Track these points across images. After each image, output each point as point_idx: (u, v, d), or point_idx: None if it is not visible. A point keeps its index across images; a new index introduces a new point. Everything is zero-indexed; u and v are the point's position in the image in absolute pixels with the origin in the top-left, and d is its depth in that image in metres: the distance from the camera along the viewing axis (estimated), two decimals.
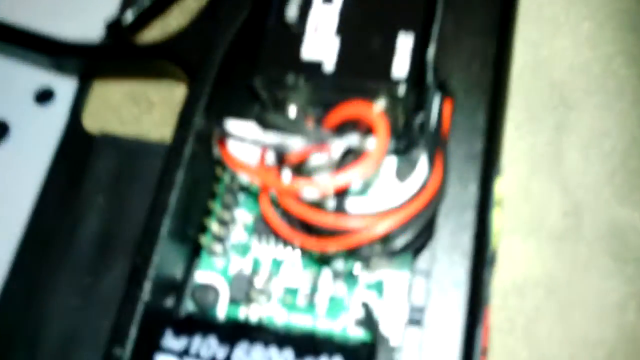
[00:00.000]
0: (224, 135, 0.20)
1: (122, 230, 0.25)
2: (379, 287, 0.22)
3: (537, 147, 0.29)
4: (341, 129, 0.19)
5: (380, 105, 0.20)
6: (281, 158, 0.20)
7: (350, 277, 0.22)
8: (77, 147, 0.27)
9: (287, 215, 0.20)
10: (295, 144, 0.18)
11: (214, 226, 0.22)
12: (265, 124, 0.20)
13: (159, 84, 0.29)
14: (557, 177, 0.28)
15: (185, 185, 0.21)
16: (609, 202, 0.28)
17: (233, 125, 0.20)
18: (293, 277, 0.22)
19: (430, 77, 0.21)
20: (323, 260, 0.22)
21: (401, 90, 0.20)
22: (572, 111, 0.29)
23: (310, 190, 0.19)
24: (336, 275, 0.22)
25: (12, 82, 0.29)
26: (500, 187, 0.22)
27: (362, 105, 0.20)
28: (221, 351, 0.19)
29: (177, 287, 0.22)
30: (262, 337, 0.20)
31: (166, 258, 0.21)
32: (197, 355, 0.19)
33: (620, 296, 0.27)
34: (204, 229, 0.23)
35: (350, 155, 0.20)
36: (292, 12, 0.21)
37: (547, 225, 0.27)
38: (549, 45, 0.30)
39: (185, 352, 0.19)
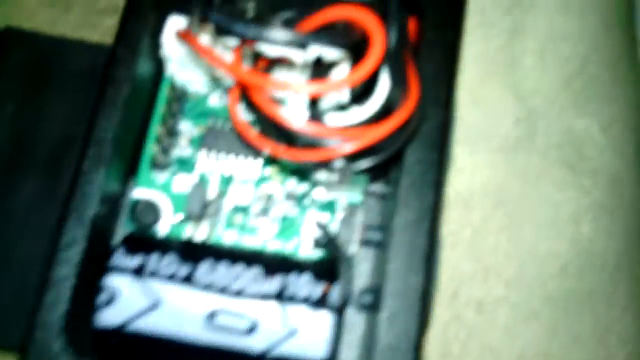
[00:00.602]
0: (203, 23, 0.17)
1: (37, 142, 0.22)
2: (331, 207, 0.21)
3: (490, 52, 0.28)
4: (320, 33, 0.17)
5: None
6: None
7: (303, 197, 0.21)
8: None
9: (260, 121, 0.18)
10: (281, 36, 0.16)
11: (160, 133, 0.20)
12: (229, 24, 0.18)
13: None
14: (510, 83, 0.27)
15: (125, 85, 0.19)
16: (565, 110, 0.27)
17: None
18: (243, 196, 0.21)
19: None
20: (277, 175, 0.21)
21: None
22: (529, 13, 0.28)
23: (300, 90, 0.17)
24: (289, 194, 0.21)
25: None
26: None
27: (356, 9, 0.18)
28: (183, 269, 0.18)
29: (115, 203, 0.20)
30: (228, 255, 0.18)
31: (108, 170, 0.18)
32: (155, 273, 0.17)
33: (575, 208, 0.27)
34: (144, 139, 0.20)
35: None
36: None
37: (498, 134, 0.27)
38: None
39: (140, 269, 0.17)
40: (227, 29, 0.17)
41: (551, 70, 0.28)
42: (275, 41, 0.16)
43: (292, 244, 0.20)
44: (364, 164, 0.18)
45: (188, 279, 0.17)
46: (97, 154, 0.18)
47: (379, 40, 0.17)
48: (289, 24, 0.18)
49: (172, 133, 0.21)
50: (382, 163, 0.18)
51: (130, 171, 0.20)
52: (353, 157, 0.18)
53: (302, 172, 0.21)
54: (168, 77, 0.21)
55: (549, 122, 0.27)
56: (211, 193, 0.20)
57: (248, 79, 0.17)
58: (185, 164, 0.21)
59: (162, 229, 0.20)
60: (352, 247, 0.20)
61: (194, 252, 0.18)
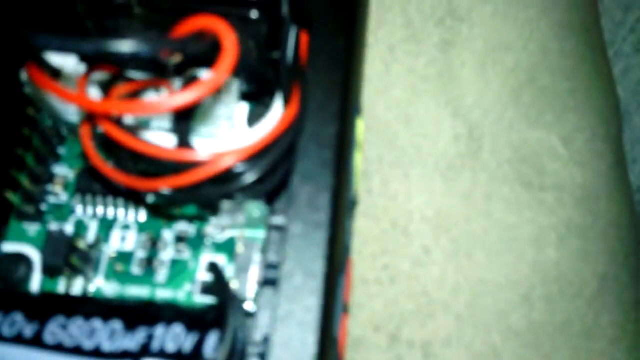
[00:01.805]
0: (37, 52, 0.16)
1: None
2: (229, 246, 0.19)
3: (420, 67, 0.25)
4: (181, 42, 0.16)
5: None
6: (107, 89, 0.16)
7: (196, 238, 0.19)
8: None
9: (117, 154, 0.16)
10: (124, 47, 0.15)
11: (26, 183, 0.18)
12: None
13: None
14: (447, 98, 0.25)
15: None
16: (515, 124, 0.25)
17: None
18: (126, 241, 0.19)
19: (286, 4, 0.18)
20: (163, 216, 0.19)
21: (254, 14, 0.17)
22: (463, 23, 0.26)
23: (138, 109, 0.15)
24: (179, 237, 0.19)
25: None
26: (361, 128, 0.20)
27: (211, 19, 0.16)
28: (29, 328, 0.15)
29: None
30: (83, 309, 0.16)
31: None
32: None
33: (536, 230, 0.24)
34: (14, 187, 0.18)
35: None
36: None
37: (435, 153, 0.24)
38: None
39: None
40: (63, 49, 0.15)
41: (494, 82, 0.26)
42: (122, 52, 0.14)
43: (183, 292, 0.18)
44: (245, 179, 0.16)
45: (35, 340, 0.15)
46: None
47: (229, 50, 0.15)
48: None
49: (42, 180, 0.19)
50: (257, 183, 0.16)
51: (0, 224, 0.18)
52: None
53: (192, 214, 0.19)
54: (37, 118, 0.19)
55: (496, 137, 0.25)
56: (87, 239, 0.18)
57: (94, 107, 0.15)
58: (62, 211, 0.19)
59: (34, 285, 0.18)
60: (250, 290, 0.18)
61: (45, 308, 0.16)
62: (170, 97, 0.15)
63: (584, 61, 0.28)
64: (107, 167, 0.16)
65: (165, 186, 0.16)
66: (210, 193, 0.17)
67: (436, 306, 0.22)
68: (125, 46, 0.15)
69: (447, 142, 0.24)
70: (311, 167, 0.17)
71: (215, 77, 0.15)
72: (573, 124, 0.27)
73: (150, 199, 0.18)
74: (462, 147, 0.25)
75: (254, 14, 0.17)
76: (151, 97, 0.17)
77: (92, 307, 0.16)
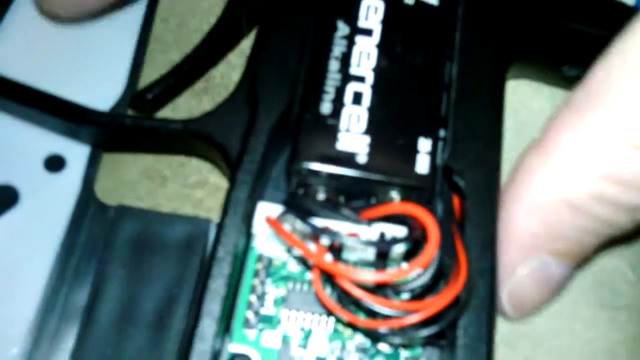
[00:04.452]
0: (283, 219, 0.22)
1: (143, 302, 0.26)
2: (396, 357, 0.24)
3: None
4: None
5: (396, 196, 0.23)
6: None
7: (371, 348, 0.24)
8: (92, 217, 0.28)
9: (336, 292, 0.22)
10: (345, 230, 0.21)
11: (252, 299, 0.24)
12: (301, 209, 0.23)
13: (171, 159, 0.30)
14: None
15: (226, 260, 0.23)
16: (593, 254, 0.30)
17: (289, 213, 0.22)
18: (320, 348, 0.24)
19: (439, 174, 0.24)
20: (347, 331, 0.24)
21: (422, 185, 0.23)
22: None
23: (360, 277, 0.21)
24: (358, 347, 0.24)
25: (21, 148, 0.29)
26: None
27: (415, 207, 0.22)
28: None
29: (217, 357, 0.23)
30: None
31: (215, 334, 0.22)
32: None
33: (609, 344, 0.29)
34: (236, 302, 0.24)
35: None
36: (326, 108, 0.24)
37: None
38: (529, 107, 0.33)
39: None
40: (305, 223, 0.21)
41: None
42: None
43: None
44: (425, 332, 0.22)
45: None
46: (205, 324, 0.22)
47: (434, 234, 0.21)
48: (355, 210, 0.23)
49: (259, 296, 0.25)
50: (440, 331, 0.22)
51: (226, 329, 0.24)
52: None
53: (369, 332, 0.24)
54: (255, 248, 0.25)
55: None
56: (294, 347, 0.24)
57: (328, 268, 0.21)
58: (270, 322, 0.25)
59: None
60: None
61: None
62: (391, 274, 0.21)
63: None
64: (332, 304, 0.22)
65: (375, 326, 0.22)
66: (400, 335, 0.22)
67: None
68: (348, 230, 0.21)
69: None
70: (472, 311, 0.23)
71: (427, 257, 0.21)
72: (638, 251, 0.33)
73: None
74: None
75: (424, 185, 0.23)
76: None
77: None
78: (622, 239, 0.32)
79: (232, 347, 0.24)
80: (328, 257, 0.22)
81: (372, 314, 0.22)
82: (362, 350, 0.24)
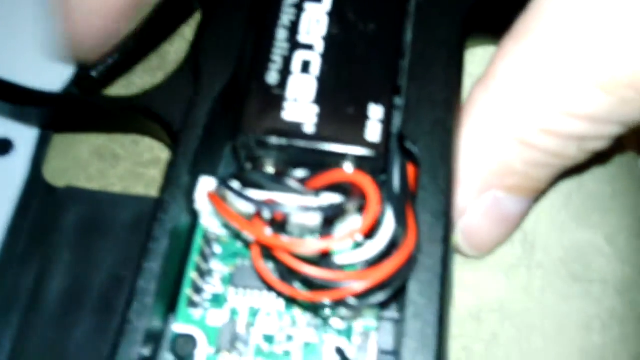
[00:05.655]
0: (223, 193, 0.21)
1: (90, 285, 0.26)
2: (348, 332, 0.23)
3: None
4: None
5: (349, 166, 0.22)
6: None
7: (322, 324, 0.23)
8: (39, 200, 0.27)
9: (276, 265, 0.21)
10: (287, 202, 0.20)
11: (194, 276, 0.23)
12: (249, 183, 0.22)
13: (124, 137, 0.29)
14: None
15: (170, 248, 0.22)
16: (566, 226, 0.30)
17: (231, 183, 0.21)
18: (269, 326, 0.23)
19: (395, 143, 0.23)
20: (297, 306, 0.23)
21: (374, 154, 0.22)
22: None
23: (301, 248, 0.20)
24: (309, 323, 0.23)
25: None
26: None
27: (355, 174, 0.21)
28: None
29: (156, 339, 0.22)
30: None
31: (150, 313, 0.21)
32: None
33: (584, 318, 0.28)
34: (181, 281, 0.23)
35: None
36: (273, 78, 0.23)
37: (496, 255, 0.29)
38: None
39: None
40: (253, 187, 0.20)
41: (549, 193, 0.31)
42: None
43: None
44: (373, 299, 0.21)
45: None
46: (141, 301, 0.21)
47: (374, 200, 0.20)
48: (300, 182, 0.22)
49: (204, 274, 0.24)
50: (388, 298, 0.21)
51: (170, 308, 0.23)
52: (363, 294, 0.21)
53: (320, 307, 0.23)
54: (201, 226, 0.24)
55: (548, 240, 0.30)
56: (240, 325, 0.23)
57: (268, 242, 0.20)
58: (217, 300, 0.24)
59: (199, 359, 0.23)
60: None
61: None
62: (333, 241, 0.20)
63: (621, 167, 0.33)
64: (272, 278, 0.21)
65: (313, 299, 0.21)
66: (347, 305, 0.21)
67: None
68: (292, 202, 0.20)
69: (504, 248, 0.29)
70: (423, 280, 0.22)
71: (366, 224, 0.20)
72: (615, 224, 0.32)
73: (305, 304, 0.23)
74: (517, 250, 0.29)
75: (374, 153, 0.22)
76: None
77: None
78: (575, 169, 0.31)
79: (177, 327, 0.23)
80: (267, 230, 0.21)
81: (320, 289, 0.21)
82: (314, 326, 0.23)
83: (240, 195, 0.20)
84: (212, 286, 0.24)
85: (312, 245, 0.20)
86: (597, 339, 0.29)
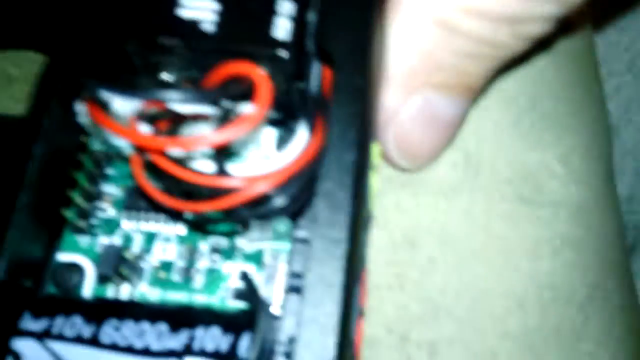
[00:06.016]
0: (93, 95, 0.18)
1: None
2: (257, 257, 0.21)
3: None
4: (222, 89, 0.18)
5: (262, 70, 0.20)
6: (154, 121, 0.19)
7: (228, 249, 0.21)
8: None
9: (162, 179, 0.19)
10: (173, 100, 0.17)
11: (79, 200, 0.21)
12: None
13: (18, 57, 0.26)
14: None
15: (44, 157, 0.19)
16: (514, 146, 0.27)
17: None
18: (167, 252, 0.21)
19: (311, 42, 0.20)
20: (201, 231, 0.21)
21: (283, 53, 0.19)
22: None
23: (186, 146, 0.17)
24: (214, 248, 0.21)
25: None
26: (376, 152, 0.22)
27: (245, 65, 0.18)
28: (87, 330, 0.18)
29: (37, 268, 0.20)
30: (133, 312, 0.18)
31: (24, 235, 0.19)
32: (60, 336, 0.17)
33: (531, 243, 0.26)
34: (67, 204, 0.21)
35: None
36: None
37: (436, 178, 0.26)
38: None
39: (46, 333, 0.18)
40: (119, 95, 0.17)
41: (494, 112, 0.28)
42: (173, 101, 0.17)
43: (217, 297, 0.21)
44: (276, 203, 0.18)
45: (92, 340, 0.17)
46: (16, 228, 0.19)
47: (264, 89, 0.17)
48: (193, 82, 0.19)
49: (93, 197, 0.21)
50: (287, 206, 0.18)
51: (55, 237, 0.21)
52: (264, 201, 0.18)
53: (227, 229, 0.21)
54: (88, 144, 0.21)
55: (494, 161, 0.27)
56: (133, 250, 0.21)
57: (144, 142, 0.18)
58: (110, 226, 0.21)
59: (86, 291, 0.20)
60: (277, 297, 0.20)
61: (100, 312, 0.18)
62: (215, 133, 0.17)
63: (578, 85, 0.31)
64: (154, 191, 0.19)
65: (205, 209, 0.18)
66: (244, 214, 0.19)
67: (439, 311, 0.25)
68: (175, 96, 0.17)
69: (444, 168, 0.27)
70: (331, 189, 0.19)
71: (256, 114, 0.17)
72: (569, 144, 0.29)
73: (190, 217, 0.20)
74: (460, 173, 0.27)
75: (283, 53, 0.19)
76: (194, 128, 0.19)
77: (140, 311, 0.18)
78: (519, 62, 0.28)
79: (61, 256, 0.21)
80: (143, 129, 0.18)
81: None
82: (218, 251, 0.21)
83: (115, 90, 0.17)
84: (103, 210, 0.21)
85: (212, 136, 0.17)
86: (546, 266, 0.27)
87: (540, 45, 0.28)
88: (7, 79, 0.26)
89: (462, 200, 0.27)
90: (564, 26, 0.28)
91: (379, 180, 0.25)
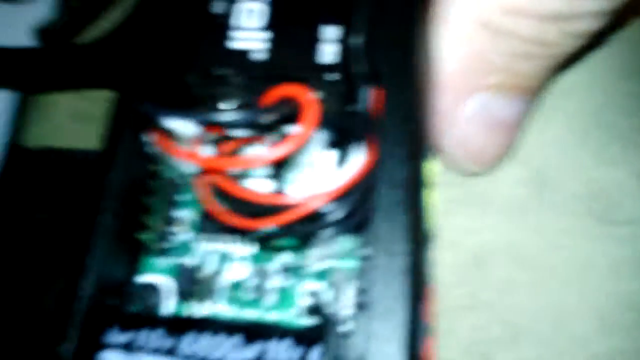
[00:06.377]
0: (153, 119, 0.20)
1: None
2: (326, 275, 0.21)
3: None
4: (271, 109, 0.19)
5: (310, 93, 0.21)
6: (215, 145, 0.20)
7: (298, 269, 0.22)
8: (15, 163, 0.27)
9: (226, 201, 0.20)
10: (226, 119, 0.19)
11: (155, 224, 0.22)
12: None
13: (91, 95, 0.28)
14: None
15: (119, 185, 0.21)
16: (582, 163, 0.27)
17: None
18: (240, 272, 0.22)
19: (358, 64, 0.21)
20: (266, 247, 0.22)
21: (332, 77, 0.20)
22: None
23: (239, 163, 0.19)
24: (284, 267, 0.22)
25: None
26: (432, 169, 0.22)
27: (293, 88, 0.20)
28: (168, 342, 0.19)
29: (121, 288, 0.21)
30: (209, 327, 0.19)
31: (106, 258, 0.20)
32: (143, 348, 0.18)
33: (609, 261, 0.25)
34: (142, 229, 0.22)
35: None
36: (218, 7, 0.22)
37: (503, 195, 0.26)
38: None
39: (131, 345, 0.19)
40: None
41: (558, 128, 0.28)
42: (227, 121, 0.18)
43: (288, 315, 0.21)
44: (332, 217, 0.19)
45: (172, 351, 0.18)
46: (99, 246, 0.20)
47: (311, 109, 0.18)
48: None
49: (167, 221, 0.22)
50: (343, 219, 0.19)
51: (135, 259, 0.22)
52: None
53: (294, 247, 0.22)
54: (164, 171, 0.23)
55: (562, 178, 0.27)
56: (208, 271, 0.22)
57: (205, 163, 0.19)
58: (185, 248, 0.22)
59: (166, 309, 0.21)
60: (345, 313, 0.21)
61: (179, 326, 0.19)
62: (269, 150, 0.18)
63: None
64: (220, 211, 0.20)
65: (267, 225, 0.19)
66: (303, 228, 0.20)
67: (519, 333, 0.24)
68: (229, 116, 0.18)
69: (510, 186, 0.27)
70: (386, 205, 0.20)
71: (300, 133, 0.18)
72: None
73: (257, 235, 0.21)
74: (526, 191, 0.27)
75: (332, 77, 0.20)
76: (251, 151, 0.20)
77: (216, 325, 0.19)
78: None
79: (140, 278, 0.22)
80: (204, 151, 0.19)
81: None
82: (288, 270, 0.22)
83: (174, 114, 0.18)
84: (177, 234, 0.22)
85: (264, 155, 0.18)
86: (628, 286, 0.26)
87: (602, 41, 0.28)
88: (82, 116, 0.28)
89: (531, 218, 0.26)
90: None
91: (438, 198, 0.25)
